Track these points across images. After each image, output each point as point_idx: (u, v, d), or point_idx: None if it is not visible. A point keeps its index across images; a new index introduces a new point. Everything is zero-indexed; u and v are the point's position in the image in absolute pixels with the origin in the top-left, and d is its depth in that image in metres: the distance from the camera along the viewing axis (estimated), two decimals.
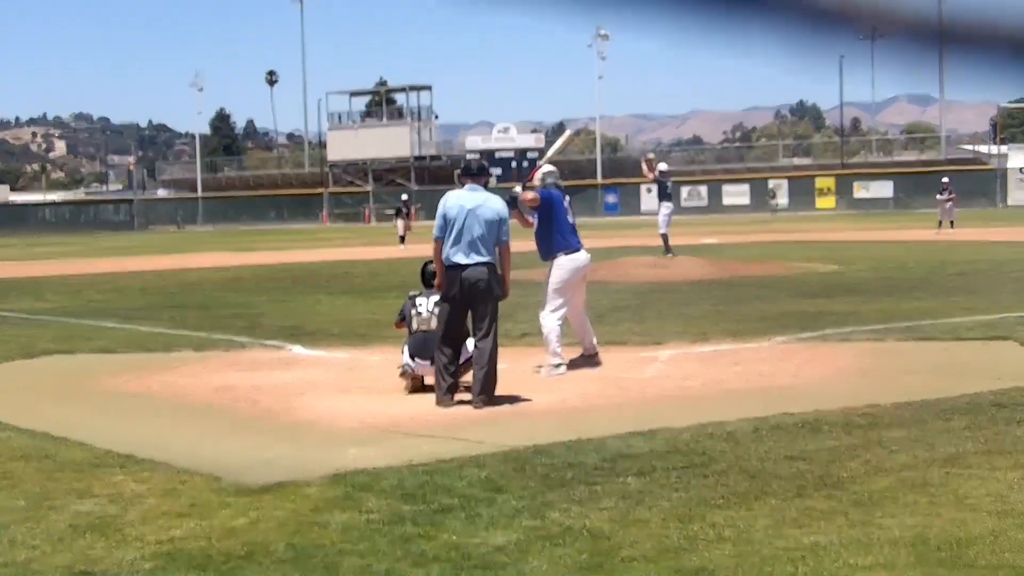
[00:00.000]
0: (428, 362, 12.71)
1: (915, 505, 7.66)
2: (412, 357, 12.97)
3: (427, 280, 13.45)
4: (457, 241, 12.26)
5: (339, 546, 7.10)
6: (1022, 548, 6.67)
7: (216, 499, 8.33)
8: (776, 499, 7.89)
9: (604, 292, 23.74)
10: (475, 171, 12.89)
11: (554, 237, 14.32)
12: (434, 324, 12.86)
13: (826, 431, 10.07)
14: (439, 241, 12.41)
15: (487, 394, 12.12)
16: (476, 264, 12.22)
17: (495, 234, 12.34)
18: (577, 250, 14.39)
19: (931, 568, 6.34)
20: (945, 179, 56.05)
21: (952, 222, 51.21)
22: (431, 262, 13.20)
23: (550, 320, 14.14)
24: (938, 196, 53.30)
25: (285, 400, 12.67)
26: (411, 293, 13.49)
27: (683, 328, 17.98)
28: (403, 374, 12.98)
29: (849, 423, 10.37)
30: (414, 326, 13.14)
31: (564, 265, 14.26)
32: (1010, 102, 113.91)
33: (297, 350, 17.11)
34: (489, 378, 12.20)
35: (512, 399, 12.35)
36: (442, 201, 12.61)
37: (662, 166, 36.28)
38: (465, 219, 12.27)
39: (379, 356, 14.81)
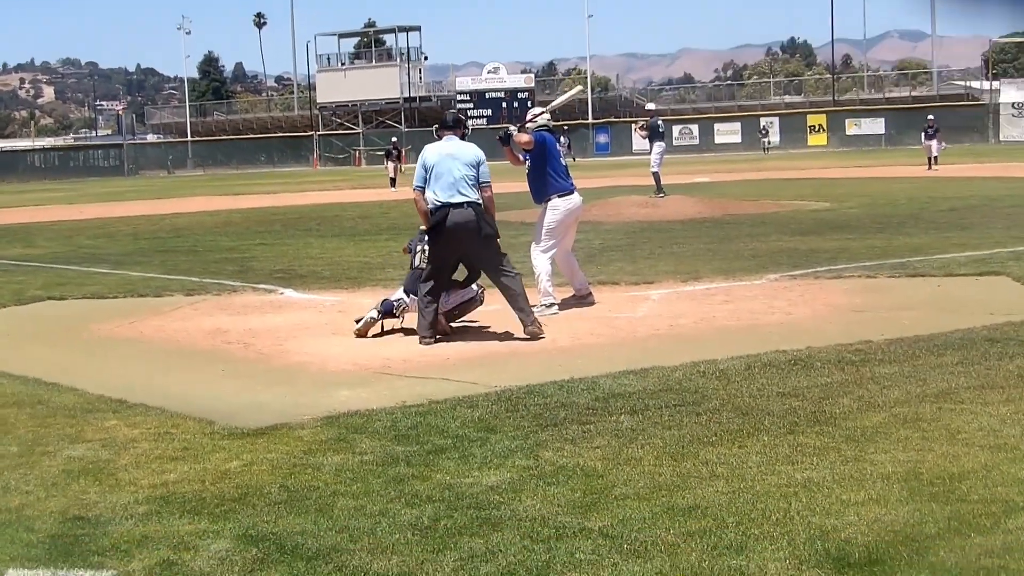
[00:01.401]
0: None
1: (907, 440, 7.67)
2: (406, 292, 13.06)
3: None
4: (438, 182, 12.50)
5: (332, 487, 7.11)
6: (1014, 482, 6.69)
7: (209, 442, 8.34)
8: (768, 436, 7.91)
9: (596, 232, 23.77)
10: (451, 123, 13.12)
11: (547, 179, 14.33)
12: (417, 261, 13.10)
13: (818, 368, 10.08)
14: (419, 190, 12.71)
15: (535, 324, 12.45)
16: (462, 204, 12.41)
17: (475, 175, 12.56)
18: (571, 192, 14.41)
19: (924, 503, 6.36)
20: (931, 117, 55.81)
21: (932, 159, 50.79)
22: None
23: (541, 260, 14.18)
24: (923, 137, 52.64)
25: (277, 343, 12.68)
26: (422, 227, 13.46)
27: (674, 267, 17.97)
28: (368, 321, 12.95)
29: (841, 360, 10.38)
30: (415, 261, 13.17)
31: (559, 207, 14.29)
32: (1001, 37, 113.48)
33: (288, 293, 17.09)
34: (527, 305, 12.62)
35: (504, 339, 12.39)
36: (421, 154, 12.91)
37: (650, 106, 36.19)
38: (445, 162, 12.54)
39: (371, 299, 14.75)
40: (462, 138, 12.92)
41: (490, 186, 12.72)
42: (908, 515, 6.17)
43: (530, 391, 9.55)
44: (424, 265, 12.88)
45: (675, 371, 10.12)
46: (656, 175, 33.97)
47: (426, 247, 12.88)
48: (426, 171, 12.61)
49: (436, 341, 12.31)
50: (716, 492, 6.69)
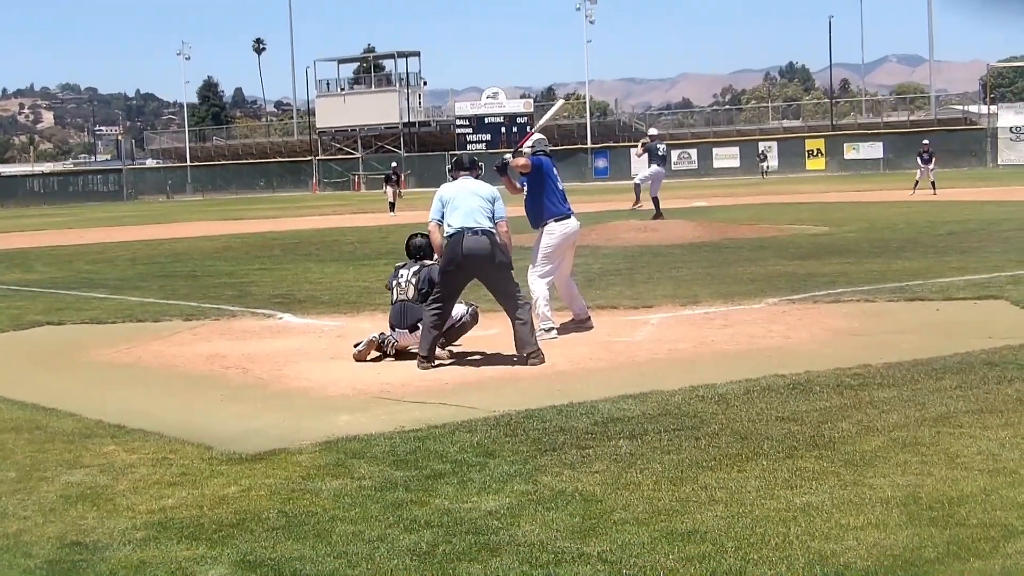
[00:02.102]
0: (406, 330, 13.02)
1: (906, 464, 7.66)
2: (392, 327, 13.14)
3: (411, 252, 13.76)
4: (454, 213, 12.63)
5: (331, 513, 7.10)
6: (1013, 506, 6.68)
7: (207, 468, 8.33)
8: (767, 460, 7.90)
9: (594, 256, 23.77)
10: (467, 165, 13.33)
11: (544, 204, 14.35)
12: (411, 293, 13.19)
13: (817, 392, 10.08)
14: (435, 223, 12.82)
15: (538, 357, 12.45)
16: (477, 231, 12.51)
17: (491, 209, 12.71)
18: (568, 216, 14.42)
19: (923, 527, 6.35)
20: (925, 141, 55.82)
21: (933, 183, 50.84)
22: (416, 235, 13.82)
23: (538, 285, 14.20)
24: (920, 161, 52.61)
25: (276, 368, 12.67)
26: (397, 264, 13.65)
27: (673, 291, 17.97)
28: (370, 343, 13.00)
29: (840, 384, 10.37)
30: (394, 296, 13.30)
31: (555, 231, 14.31)
32: (999, 61, 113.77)
33: (287, 318, 17.09)
34: (532, 336, 12.69)
35: (503, 363, 12.40)
36: (437, 192, 13.07)
37: (652, 131, 36.23)
38: (461, 195, 12.73)
39: (370, 323, 14.77)
40: (476, 179, 13.08)
41: (506, 222, 12.82)
42: (907, 539, 6.16)
43: (529, 415, 9.54)
44: (403, 297, 13.20)
45: (674, 395, 10.11)
46: (656, 199, 33.82)
47: (411, 279, 13.20)
48: (442, 204, 12.77)
49: (435, 366, 12.31)
50: (715, 517, 6.69)
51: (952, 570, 5.73)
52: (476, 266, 12.59)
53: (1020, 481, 7.20)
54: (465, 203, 12.63)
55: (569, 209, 14.52)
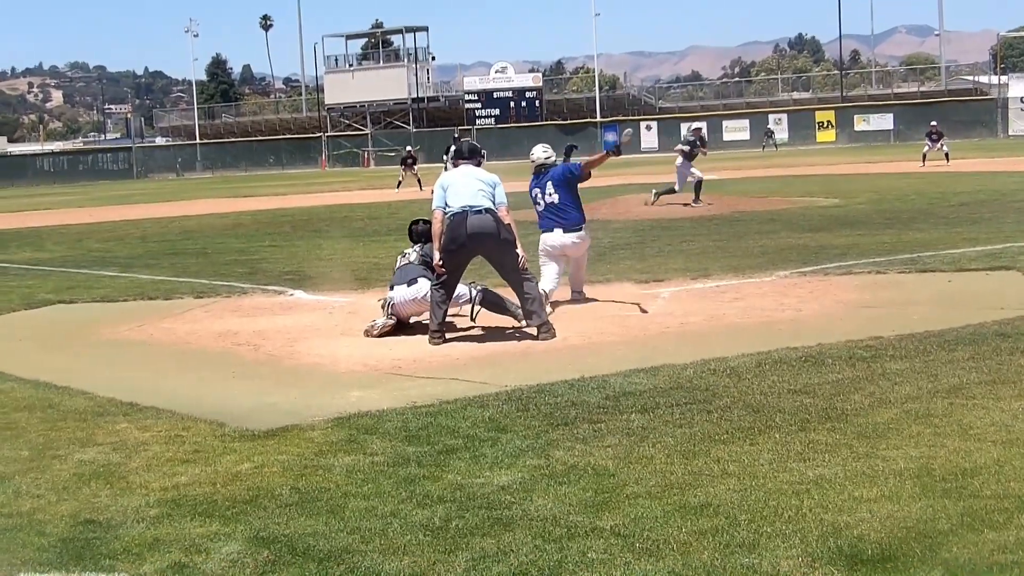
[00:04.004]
0: (404, 285, 13.22)
1: (919, 436, 7.65)
2: (391, 287, 13.44)
3: (413, 237, 14.01)
4: (456, 196, 12.64)
5: (344, 489, 7.10)
6: None
7: (220, 445, 8.34)
8: (780, 433, 7.89)
9: (605, 230, 23.74)
10: (466, 154, 13.40)
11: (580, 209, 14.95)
12: (413, 258, 13.51)
13: (829, 364, 10.06)
14: (439, 210, 12.74)
15: (548, 332, 12.44)
16: (480, 210, 12.52)
17: (492, 194, 12.73)
18: (550, 230, 14.83)
19: (936, 499, 6.34)
20: (934, 123, 55.65)
21: (947, 154, 50.77)
22: (418, 221, 14.06)
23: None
24: (928, 141, 52.50)
25: (287, 345, 12.68)
26: (402, 251, 13.94)
27: (684, 265, 17.96)
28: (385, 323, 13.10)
29: (852, 356, 10.36)
30: (398, 263, 13.73)
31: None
32: (1010, 31, 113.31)
33: (298, 295, 17.10)
34: (541, 310, 12.70)
35: (514, 339, 12.39)
36: (438, 180, 13.13)
37: (698, 124, 35.66)
38: (461, 180, 12.77)
39: (380, 299, 14.76)
40: (478, 166, 13.17)
41: (507, 207, 12.83)
42: (920, 511, 6.15)
43: (540, 390, 9.54)
44: (404, 262, 13.63)
45: (686, 369, 10.10)
46: (699, 182, 32.54)
47: (414, 259, 13.55)
48: (444, 191, 12.76)
49: (445, 341, 12.31)
50: (728, 490, 6.68)
51: (966, 541, 5.72)
52: (480, 244, 12.61)
53: None
54: (467, 187, 12.66)
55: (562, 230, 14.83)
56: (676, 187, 32.26)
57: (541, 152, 15.00)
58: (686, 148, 32.99)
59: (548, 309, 13.67)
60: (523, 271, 12.70)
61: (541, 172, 14.77)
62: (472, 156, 13.30)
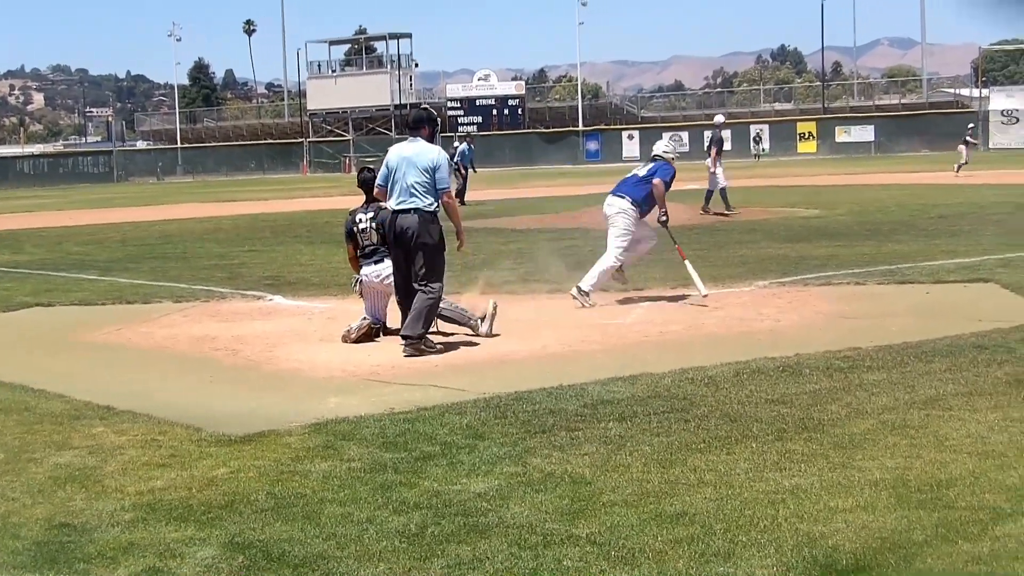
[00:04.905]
0: (373, 263, 13.25)
1: (895, 447, 7.67)
2: (358, 269, 13.49)
3: (361, 185, 13.85)
4: (394, 188, 12.44)
5: (320, 494, 7.09)
6: (1001, 489, 6.69)
7: (196, 449, 8.32)
8: (757, 443, 7.90)
9: (585, 238, 23.69)
10: (411, 124, 12.99)
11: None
12: (375, 238, 13.31)
13: (807, 375, 10.08)
14: (381, 188, 12.72)
15: (407, 338, 12.14)
16: (406, 210, 12.30)
17: (431, 180, 12.36)
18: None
19: (911, 509, 6.36)
20: (971, 125, 56.37)
21: (961, 165, 50.96)
22: (364, 169, 14.19)
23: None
24: (965, 143, 52.93)
25: (266, 350, 12.66)
26: (353, 208, 13.70)
27: (664, 274, 17.95)
28: (361, 327, 13.08)
29: (830, 366, 10.38)
30: (362, 242, 13.50)
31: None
32: (991, 44, 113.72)
33: (277, 300, 17.09)
34: (418, 320, 12.21)
35: (493, 346, 12.38)
36: (387, 154, 12.85)
37: (719, 118, 35.64)
38: (401, 168, 12.43)
39: (360, 305, 14.74)
40: (430, 138, 12.79)
41: (448, 191, 12.59)
42: (896, 522, 6.17)
43: (519, 398, 9.54)
44: (369, 241, 13.38)
45: (664, 378, 10.12)
46: (723, 190, 32.40)
47: (371, 224, 13.35)
48: (388, 172, 12.53)
49: (421, 354, 12.11)
50: (704, 499, 6.69)
51: (940, 552, 5.74)
52: (403, 245, 12.32)
53: (1008, 464, 7.20)
54: (402, 179, 12.33)
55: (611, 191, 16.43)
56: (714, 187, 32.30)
57: (663, 145, 16.68)
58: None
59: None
60: (428, 279, 12.27)
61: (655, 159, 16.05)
62: (417, 127, 12.79)
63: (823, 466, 7.28)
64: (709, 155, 32.85)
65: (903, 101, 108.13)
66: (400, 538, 6.22)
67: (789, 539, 5.95)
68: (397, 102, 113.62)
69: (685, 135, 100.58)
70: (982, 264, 17.57)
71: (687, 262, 15.67)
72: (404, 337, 12.14)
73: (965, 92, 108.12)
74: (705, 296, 14.88)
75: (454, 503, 6.80)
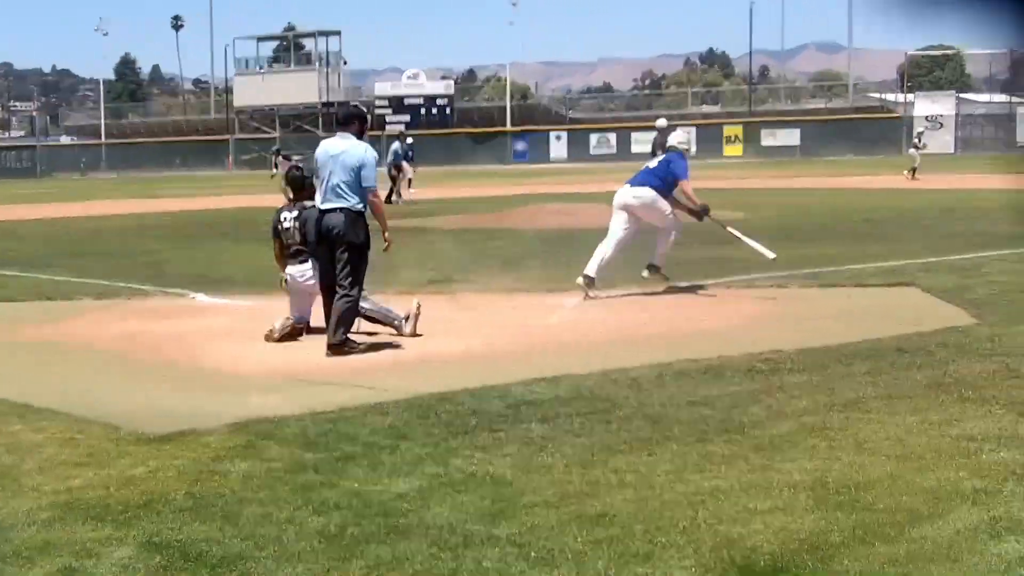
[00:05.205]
0: (298, 262, 13.21)
1: (815, 449, 7.72)
2: (283, 268, 13.50)
3: (290, 183, 13.91)
4: (322, 187, 12.35)
5: (240, 495, 7.05)
6: (919, 491, 6.75)
7: (115, 448, 8.24)
8: (678, 444, 7.93)
9: (512, 239, 23.79)
10: (341, 120, 12.88)
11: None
12: (297, 237, 13.25)
13: (728, 376, 10.14)
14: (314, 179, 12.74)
15: (332, 346, 12.08)
16: (332, 209, 12.21)
17: (357, 180, 12.22)
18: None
19: (830, 512, 6.40)
20: (920, 130, 57.09)
21: (914, 170, 51.28)
22: (293, 167, 14.43)
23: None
24: (915, 147, 53.43)
25: (188, 348, 12.57)
26: (280, 208, 13.78)
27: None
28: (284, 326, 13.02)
29: (751, 368, 10.44)
30: (285, 241, 13.49)
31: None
32: (917, 50, 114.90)
33: (201, 298, 16.97)
34: (338, 327, 12.15)
35: (417, 346, 12.36)
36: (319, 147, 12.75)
37: (661, 122, 35.53)
38: (327, 166, 12.32)
39: (284, 303, 14.67)
40: (360, 134, 12.65)
41: (374, 190, 12.43)
42: (814, 523, 6.21)
43: (442, 398, 9.52)
44: (292, 241, 13.31)
45: (587, 379, 10.14)
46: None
47: (294, 223, 13.32)
48: (319, 168, 12.44)
49: (346, 353, 12.06)
50: (624, 500, 6.70)
51: (858, 554, 5.78)
52: (330, 242, 12.22)
53: (926, 467, 7.26)
54: (329, 178, 12.23)
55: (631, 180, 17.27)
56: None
57: (678, 136, 18.01)
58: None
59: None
60: (348, 281, 12.18)
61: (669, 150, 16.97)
62: (346, 123, 12.66)
63: (743, 468, 7.32)
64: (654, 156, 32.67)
65: (829, 105, 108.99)
66: (320, 538, 6.19)
67: (708, 540, 5.98)
68: (325, 100, 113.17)
69: (613, 137, 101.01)
70: (904, 268, 17.74)
71: (744, 237, 16.04)
72: (329, 346, 12.07)
73: (891, 97, 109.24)
74: (774, 259, 15.26)
75: (375, 503, 6.78)
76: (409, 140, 46.59)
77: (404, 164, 43.73)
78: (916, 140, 54.73)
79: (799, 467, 7.29)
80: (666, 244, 16.41)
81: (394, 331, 12.89)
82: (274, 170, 52.34)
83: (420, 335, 12.78)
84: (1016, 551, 5.79)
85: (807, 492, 6.76)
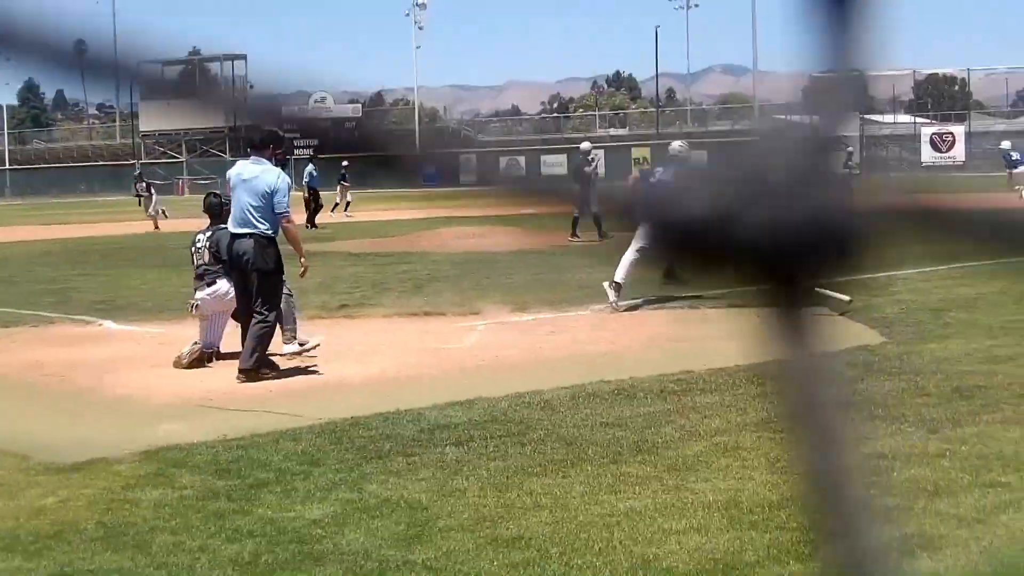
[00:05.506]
0: (205, 284, 13.06)
1: (727, 469, 7.77)
2: (194, 291, 13.35)
3: (207, 208, 13.80)
4: (233, 210, 12.29)
5: (151, 523, 6.98)
6: (872, 500, 6.78)
7: (24, 478, 8.13)
8: (592, 465, 7.95)
9: (422, 262, 23.76)
10: (257, 143, 12.57)
11: None
12: (207, 257, 13.20)
13: (641, 397, 10.18)
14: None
15: (244, 372, 11.93)
16: (242, 235, 12.11)
17: (269, 205, 12.08)
18: None
19: (743, 531, 6.44)
20: (850, 148, 58.05)
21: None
22: (209, 194, 14.20)
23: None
24: (847, 168, 54.31)
25: (96, 376, 12.41)
26: (197, 231, 13.78)
27: (502, 297, 18.01)
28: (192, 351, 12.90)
29: (664, 389, 10.49)
30: (195, 262, 13.50)
31: None
32: (821, 71, 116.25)
33: (108, 325, 16.77)
34: (253, 352, 12.00)
35: (329, 371, 12.29)
36: (232, 168, 12.75)
37: (585, 145, 35.58)
38: (239, 191, 12.21)
39: (193, 330, 14.55)
40: (275, 158, 12.52)
41: (287, 216, 12.33)
42: (728, 543, 6.25)
43: (355, 423, 9.48)
44: (200, 261, 13.27)
45: (501, 401, 10.14)
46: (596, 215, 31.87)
47: (206, 243, 13.26)
48: (229, 186, 12.41)
49: (258, 379, 11.92)
50: (540, 523, 6.71)
51: (772, 573, 5.82)
52: (241, 268, 12.16)
53: None
54: (238, 202, 12.14)
55: None
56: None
57: (676, 145, 18.79)
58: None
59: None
60: (263, 307, 12.04)
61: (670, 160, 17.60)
62: (262, 146, 12.42)
63: (657, 488, 7.35)
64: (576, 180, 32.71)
65: (735, 127, 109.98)
66: (233, 566, 6.14)
67: (624, 561, 6.00)
68: (232, 124, 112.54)
69: (522, 159, 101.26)
70: (813, 288, 17.88)
71: None
72: (241, 371, 11.93)
73: (796, 119, 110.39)
74: (850, 301, 15.04)
75: (288, 530, 6.74)
76: (345, 163, 46.25)
77: (340, 186, 43.45)
78: (846, 159, 55.73)
79: (712, 487, 7.33)
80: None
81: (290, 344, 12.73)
82: (137, 195, 51.44)
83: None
84: (929, 568, 5.86)
85: (721, 512, 6.80)
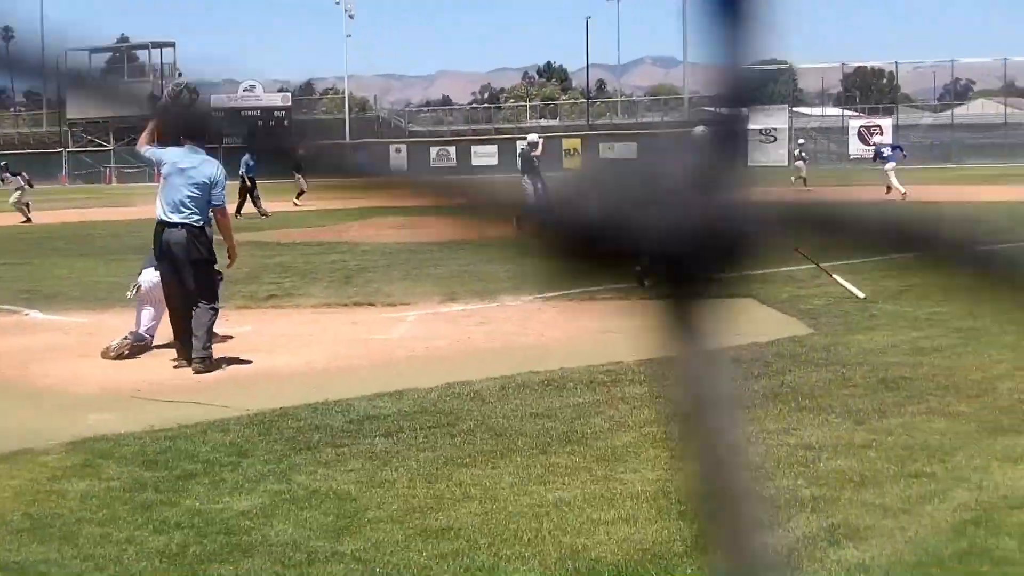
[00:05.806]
0: (152, 267, 12.69)
1: (656, 460, 7.81)
2: (141, 270, 13.15)
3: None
4: (166, 199, 12.06)
5: (78, 515, 6.92)
6: (759, 499, 6.84)
7: None
8: (521, 456, 7.97)
9: (352, 253, 23.69)
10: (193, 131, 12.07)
11: None
12: None
13: (570, 388, 10.21)
14: (159, 164, 12.36)
15: (201, 361, 11.85)
16: (176, 224, 11.96)
17: (205, 197, 12.00)
18: None
19: (672, 521, 6.48)
20: (801, 141, 58.62)
21: (804, 180, 51.97)
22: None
23: None
24: (801, 159, 54.50)
25: (21, 366, 12.29)
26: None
27: (431, 288, 18.02)
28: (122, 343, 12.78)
29: (593, 380, 10.53)
30: (129, 294, 13.42)
31: None
32: (751, 63, 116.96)
33: (34, 314, 16.60)
34: (207, 341, 11.96)
35: (258, 362, 12.24)
36: (165, 149, 12.35)
37: (532, 137, 35.47)
38: (174, 179, 12.04)
39: (120, 320, 14.43)
40: (209, 149, 12.40)
41: (222, 209, 12.27)
42: (657, 533, 6.28)
43: (284, 414, 9.45)
44: (132, 295, 13.01)
45: (430, 392, 10.13)
46: None
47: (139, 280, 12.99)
48: (159, 168, 12.25)
49: (211, 370, 11.82)
50: (469, 513, 6.72)
51: (700, 563, 5.86)
52: (175, 259, 12.02)
53: (765, 475, 7.38)
54: (172, 193, 11.95)
55: None
56: None
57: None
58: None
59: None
60: (205, 297, 12.02)
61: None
62: (197, 136, 12.06)
63: (586, 479, 7.38)
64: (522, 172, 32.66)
65: (665, 119, 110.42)
66: (161, 558, 6.11)
67: (553, 552, 6.02)
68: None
69: (452, 150, 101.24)
70: (740, 279, 17.97)
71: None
72: (198, 359, 11.81)
73: (725, 111, 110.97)
74: (864, 297, 15.07)
75: (216, 521, 6.71)
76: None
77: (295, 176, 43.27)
78: (797, 151, 56.40)
79: (641, 477, 7.37)
80: None
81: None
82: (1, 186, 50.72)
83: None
84: (855, 557, 5.92)
85: (649, 502, 6.84)
